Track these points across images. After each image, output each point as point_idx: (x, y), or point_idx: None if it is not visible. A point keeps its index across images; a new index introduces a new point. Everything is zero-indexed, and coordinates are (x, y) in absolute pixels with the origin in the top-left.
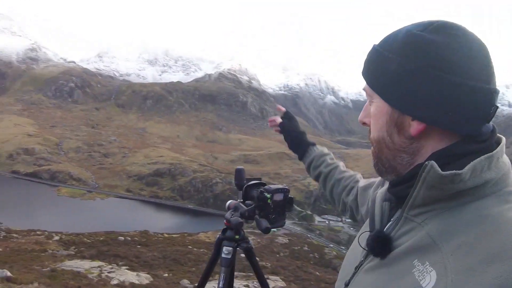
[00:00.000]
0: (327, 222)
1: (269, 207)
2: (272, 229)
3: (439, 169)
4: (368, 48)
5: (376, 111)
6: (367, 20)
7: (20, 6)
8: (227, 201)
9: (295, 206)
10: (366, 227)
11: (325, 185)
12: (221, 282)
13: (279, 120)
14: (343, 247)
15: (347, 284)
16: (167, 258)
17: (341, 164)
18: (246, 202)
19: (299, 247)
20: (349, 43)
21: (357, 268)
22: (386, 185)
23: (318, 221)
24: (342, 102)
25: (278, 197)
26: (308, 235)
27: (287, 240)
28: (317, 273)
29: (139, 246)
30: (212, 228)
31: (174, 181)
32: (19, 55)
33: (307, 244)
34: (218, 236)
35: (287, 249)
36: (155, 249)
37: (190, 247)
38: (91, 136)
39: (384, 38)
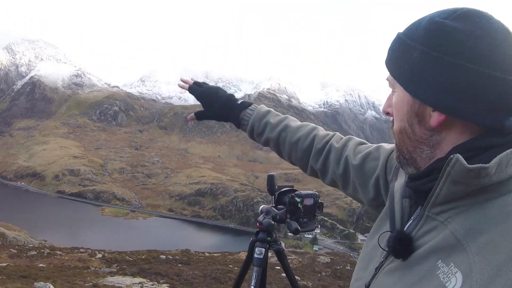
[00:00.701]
0: None
1: (300, 211)
2: (302, 232)
3: (465, 163)
4: (378, 64)
5: (398, 101)
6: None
7: (65, 34)
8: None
9: (337, 225)
10: (381, 225)
11: (280, 152)
12: (253, 281)
13: (191, 115)
14: None
15: (367, 286)
16: (208, 276)
17: (290, 120)
18: (278, 206)
19: (341, 266)
20: (348, 52)
21: (377, 270)
22: (402, 178)
23: (361, 239)
24: (384, 116)
25: (309, 201)
26: (351, 254)
27: (329, 260)
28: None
29: (180, 265)
30: None
31: (215, 201)
32: (64, 81)
33: (350, 263)
34: (251, 239)
35: (329, 268)
36: (196, 268)
37: (231, 266)
38: (134, 157)
39: (408, 26)
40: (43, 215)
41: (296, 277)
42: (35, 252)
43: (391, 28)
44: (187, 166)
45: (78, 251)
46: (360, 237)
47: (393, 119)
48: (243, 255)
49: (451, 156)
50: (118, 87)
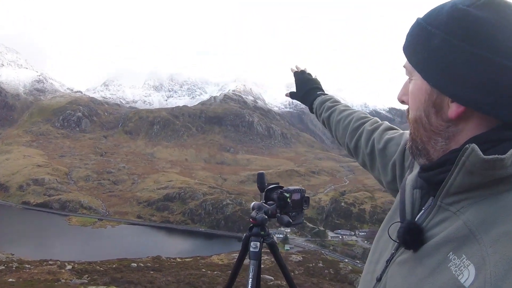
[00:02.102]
0: (340, 237)
1: (289, 206)
2: (293, 225)
3: (481, 153)
4: (374, 57)
5: (415, 89)
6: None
7: (26, 39)
8: (238, 222)
9: (307, 223)
10: (393, 216)
11: (331, 130)
12: (251, 273)
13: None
14: (358, 261)
15: (379, 279)
16: (181, 282)
17: (342, 105)
18: (268, 202)
19: (313, 264)
20: (348, 52)
21: (389, 262)
22: (415, 170)
23: (331, 236)
24: None
25: (296, 196)
26: (322, 251)
27: (301, 258)
28: None
29: (152, 272)
30: (225, 250)
31: (184, 205)
32: (26, 87)
33: (322, 260)
34: (245, 234)
35: (302, 266)
36: (168, 274)
37: (203, 270)
38: (100, 164)
39: (429, 11)
40: (9, 228)
41: (269, 277)
42: (3, 267)
43: (362, 30)
44: (154, 171)
45: (47, 264)
46: (330, 234)
47: (408, 108)
48: (216, 259)
49: (467, 146)
50: (81, 92)
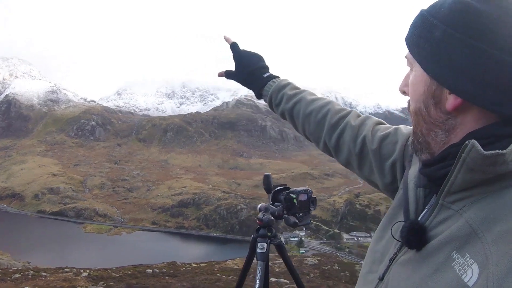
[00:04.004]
0: (355, 239)
1: (296, 207)
2: (300, 226)
3: (481, 149)
4: (385, 56)
5: (415, 80)
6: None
7: (38, 50)
8: (253, 226)
9: (322, 226)
10: (395, 215)
11: (295, 124)
12: (258, 275)
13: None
14: None
15: (381, 278)
16: (196, 287)
17: (307, 93)
18: (275, 204)
19: (329, 267)
20: (360, 55)
21: (391, 261)
22: (415, 166)
23: (347, 238)
24: None
25: (303, 197)
26: (338, 254)
27: (317, 261)
28: None
29: (167, 278)
30: (240, 254)
31: (199, 211)
32: (40, 98)
33: (337, 263)
34: (252, 236)
35: (317, 269)
36: (184, 279)
37: (219, 275)
38: (114, 172)
39: (433, 3)
40: (25, 236)
41: (284, 280)
42: (19, 275)
43: (372, 29)
44: (168, 178)
45: (63, 271)
46: (345, 236)
47: (409, 100)
48: (230, 263)
49: (467, 142)
50: (94, 101)
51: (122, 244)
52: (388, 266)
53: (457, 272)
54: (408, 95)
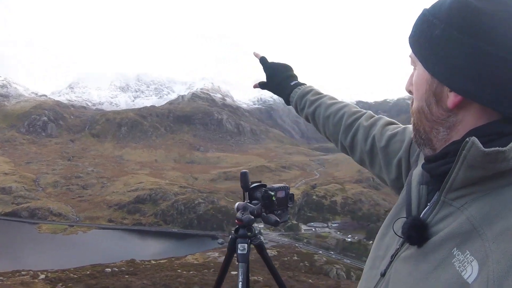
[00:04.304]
0: (313, 229)
1: (274, 204)
2: (280, 223)
3: (481, 146)
4: (345, 51)
5: (417, 79)
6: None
7: None
8: (211, 221)
9: None
10: (398, 212)
11: (317, 126)
12: (240, 277)
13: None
14: (332, 252)
15: (383, 274)
16: (157, 284)
17: (327, 98)
18: (252, 202)
19: (288, 258)
20: (319, 48)
21: (393, 257)
22: (420, 165)
23: (305, 229)
24: None
25: (281, 194)
26: (297, 245)
27: (276, 252)
28: (310, 280)
29: (127, 276)
30: (199, 249)
31: (156, 206)
32: None
33: (296, 254)
34: (230, 236)
35: (277, 261)
36: (144, 277)
37: (179, 271)
38: (68, 169)
39: (435, 2)
40: None
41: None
42: None
43: (332, 22)
44: (123, 174)
45: (19, 274)
46: (303, 227)
47: (413, 98)
48: (190, 259)
49: (467, 139)
50: (46, 95)
51: (78, 244)
52: (390, 262)
53: (457, 269)
54: (412, 94)
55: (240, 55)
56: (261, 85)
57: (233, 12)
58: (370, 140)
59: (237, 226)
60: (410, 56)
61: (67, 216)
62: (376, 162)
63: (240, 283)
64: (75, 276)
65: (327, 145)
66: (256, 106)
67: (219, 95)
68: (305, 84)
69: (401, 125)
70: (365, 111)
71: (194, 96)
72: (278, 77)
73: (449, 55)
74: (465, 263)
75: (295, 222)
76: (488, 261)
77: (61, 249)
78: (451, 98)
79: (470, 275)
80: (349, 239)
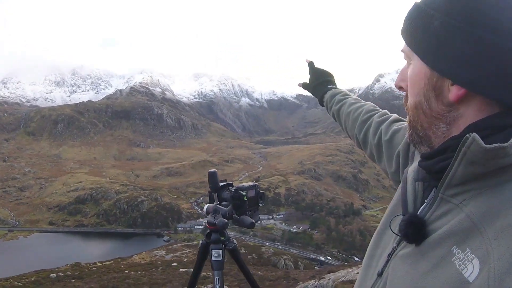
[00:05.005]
0: (259, 222)
1: (245, 205)
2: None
3: (482, 142)
4: (281, 45)
5: (414, 74)
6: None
7: None
8: (155, 218)
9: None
10: (395, 210)
11: (341, 123)
12: (217, 285)
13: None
14: (279, 243)
15: (380, 273)
16: (106, 287)
17: (352, 98)
18: (222, 203)
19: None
20: (256, 43)
21: (390, 256)
22: (416, 162)
23: None
24: (257, 103)
25: (252, 193)
26: (243, 238)
27: None
28: (259, 272)
29: (73, 280)
30: (146, 248)
31: (97, 206)
32: None
33: (243, 247)
34: (201, 241)
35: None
36: (91, 281)
37: (126, 272)
38: (3, 170)
39: None
40: None
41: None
42: None
43: (263, 14)
44: (62, 173)
45: None
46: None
47: (406, 94)
48: (137, 258)
49: (467, 135)
50: None
51: (20, 249)
52: (387, 261)
53: (457, 267)
54: (405, 90)
55: (179, 47)
56: (304, 86)
57: (170, 8)
58: (378, 134)
59: (209, 231)
60: (403, 50)
61: (6, 221)
62: (382, 155)
63: None
64: (19, 284)
65: (268, 138)
66: (197, 100)
67: (158, 89)
68: (338, 88)
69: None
70: (381, 109)
71: (133, 90)
72: (318, 80)
73: (450, 46)
74: (466, 261)
75: None
76: (489, 259)
77: (2, 256)
78: (454, 92)
79: (471, 274)
80: (294, 230)
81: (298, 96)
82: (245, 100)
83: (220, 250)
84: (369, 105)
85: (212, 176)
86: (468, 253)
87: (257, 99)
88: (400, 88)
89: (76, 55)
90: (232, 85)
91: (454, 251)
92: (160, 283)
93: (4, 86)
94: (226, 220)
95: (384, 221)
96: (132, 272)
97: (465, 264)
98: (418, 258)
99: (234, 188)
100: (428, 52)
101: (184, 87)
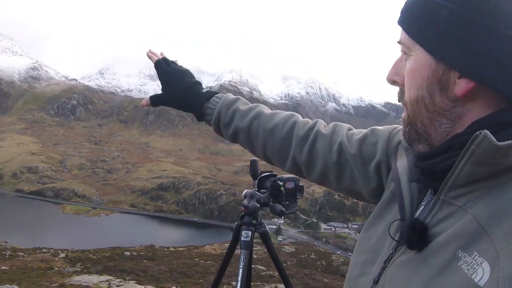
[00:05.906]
0: (333, 229)
1: (282, 195)
2: (286, 214)
3: (495, 140)
4: (369, 52)
5: (416, 65)
6: (365, 23)
7: (21, 26)
8: (232, 212)
9: (300, 215)
10: (384, 213)
11: (252, 144)
12: (241, 264)
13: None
14: (350, 253)
15: (376, 281)
16: (174, 271)
17: (263, 107)
18: (261, 191)
19: (306, 255)
20: (347, 48)
21: (387, 262)
22: (403, 160)
23: (324, 228)
24: (344, 108)
25: (290, 185)
26: (315, 243)
27: (294, 249)
28: (326, 280)
29: (145, 261)
30: (218, 240)
31: (178, 195)
32: (21, 75)
33: (314, 252)
34: (236, 223)
35: (294, 257)
36: (161, 263)
37: (196, 259)
38: (94, 152)
39: None
40: (2, 216)
41: (261, 267)
42: None
43: (353, 20)
44: (148, 160)
45: (40, 252)
46: (323, 226)
47: (401, 89)
48: (209, 248)
49: (477, 132)
50: (76, 80)
51: (100, 226)
52: (383, 268)
53: (466, 272)
54: (398, 85)
55: (269, 49)
56: (155, 100)
57: (261, 12)
58: (336, 148)
59: (243, 213)
60: (400, 41)
61: (91, 199)
62: (346, 173)
63: (241, 269)
64: (94, 257)
65: None
66: (283, 101)
67: (246, 88)
68: (220, 92)
69: (361, 129)
70: (315, 119)
71: (222, 88)
72: (181, 86)
73: (460, 37)
74: (475, 265)
75: (315, 220)
76: (500, 261)
77: (82, 230)
78: (462, 85)
79: (481, 278)
80: None
81: (387, 104)
82: (331, 105)
83: (250, 232)
84: (297, 115)
85: (253, 164)
86: (476, 257)
87: (344, 105)
88: (393, 82)
89: (171, 53)
90: (320, 88)
91: (460, 255)
92: (226, 275)
93: (101, 76)
94: (258, 205)
95: (370, 224)
96: (202, 261)
97: (474, 268)
98: (420, 264)
99: (273, 178)
100: (435, 43)
101: (272, 88)
